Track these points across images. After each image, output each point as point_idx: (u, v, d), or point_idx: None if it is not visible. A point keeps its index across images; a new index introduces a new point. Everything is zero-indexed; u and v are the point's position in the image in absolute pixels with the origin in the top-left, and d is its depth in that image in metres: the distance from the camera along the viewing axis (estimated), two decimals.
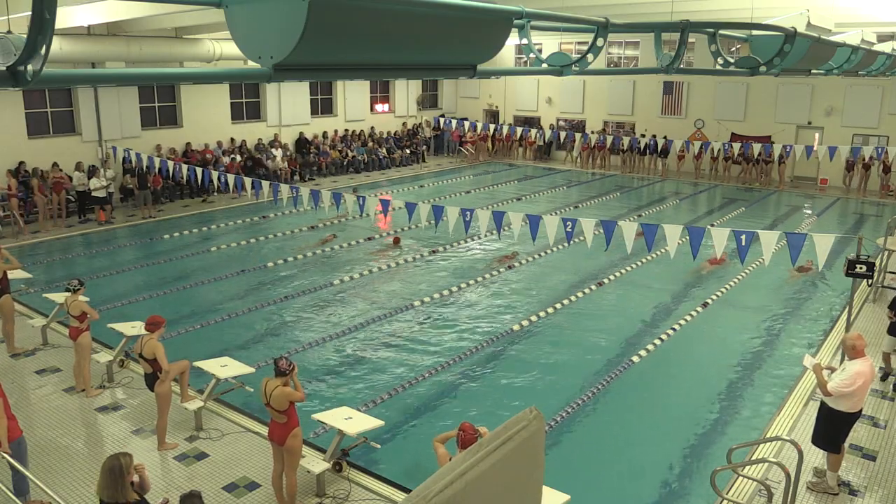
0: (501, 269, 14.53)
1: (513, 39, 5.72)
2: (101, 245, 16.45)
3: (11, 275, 10.54)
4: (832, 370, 7.11)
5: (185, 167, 16.89)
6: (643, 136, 26.63)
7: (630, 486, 7.32)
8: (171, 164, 17.45)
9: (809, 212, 20.95)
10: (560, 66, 6.15)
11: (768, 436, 7.95)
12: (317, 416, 7.45)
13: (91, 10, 13.51)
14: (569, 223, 10.93)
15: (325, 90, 27.34)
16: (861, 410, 6.99)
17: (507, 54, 28.72)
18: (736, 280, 13.82)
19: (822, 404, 6.97)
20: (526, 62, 24.50)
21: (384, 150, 27.74)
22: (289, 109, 25.50)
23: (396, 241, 16.53)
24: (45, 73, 2.75)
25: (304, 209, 17.50)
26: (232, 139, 23.46)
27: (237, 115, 24.27)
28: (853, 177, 23.41)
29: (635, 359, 10.24)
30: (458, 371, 9.88)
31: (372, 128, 28.53)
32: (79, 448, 7.82)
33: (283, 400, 6.38)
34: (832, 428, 6.88)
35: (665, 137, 25.32)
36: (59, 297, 10.45)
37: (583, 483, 6.98)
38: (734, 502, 6.67)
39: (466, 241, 16.60)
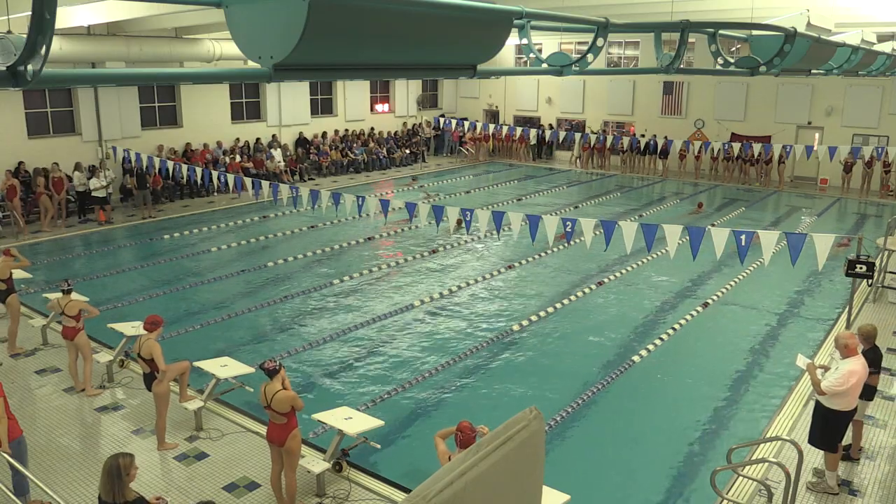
0: (502, 269, 14.54)
1: (513, 39, 5.71)
2: (101, 245, 16.45)
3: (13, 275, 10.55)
4: (825, 369, 7.13)
5: (184, 167, 16.87)
6: (643, 136, 26.63)
7: (630, 486, 7.32)
8: (170, 164, 17.43)
9: (810, 208, 20.94)
10: (560, 66, 6.14)
11: (768, 436, 7.95)
12: (317, 415, 7.45)
13: (91, 10, 13.50)
14: (568, 223, 10.94)
15: (325, 90, 27.34)
16: (856, 408, 7.02)
17: (507, 54, 28.69)
18: (736, 280, 13.82)
19: (818, 404, 7.00)
20: (526, 62, 24.47)
21: (384, 150, 27.74)
22: (289, 109, 25.49)
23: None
24: (45, 73, 2.74)
25: (304, 209, 17.49)
26: (237, 139, 23.48)
27: (237, 115, 24.27)
28: (851, 178, 23.37)
29: (636, 359, 10.24)
30: (458, 371, 9.88)
31: (372, 128, 28.51)
32: (79, 448, 7.82)
33: (285, 404, 6.40)
34: (828, 427, 6.90)
35: (665, 137, 25.32)
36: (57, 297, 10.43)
37: (583, 483, 6.98)
38: (734, 502, 6.67)
39: (466, 243, 16.61)
